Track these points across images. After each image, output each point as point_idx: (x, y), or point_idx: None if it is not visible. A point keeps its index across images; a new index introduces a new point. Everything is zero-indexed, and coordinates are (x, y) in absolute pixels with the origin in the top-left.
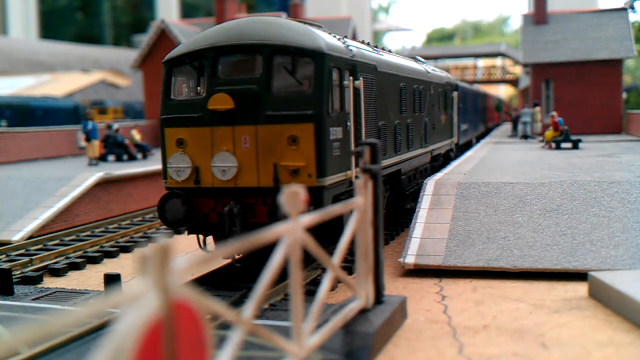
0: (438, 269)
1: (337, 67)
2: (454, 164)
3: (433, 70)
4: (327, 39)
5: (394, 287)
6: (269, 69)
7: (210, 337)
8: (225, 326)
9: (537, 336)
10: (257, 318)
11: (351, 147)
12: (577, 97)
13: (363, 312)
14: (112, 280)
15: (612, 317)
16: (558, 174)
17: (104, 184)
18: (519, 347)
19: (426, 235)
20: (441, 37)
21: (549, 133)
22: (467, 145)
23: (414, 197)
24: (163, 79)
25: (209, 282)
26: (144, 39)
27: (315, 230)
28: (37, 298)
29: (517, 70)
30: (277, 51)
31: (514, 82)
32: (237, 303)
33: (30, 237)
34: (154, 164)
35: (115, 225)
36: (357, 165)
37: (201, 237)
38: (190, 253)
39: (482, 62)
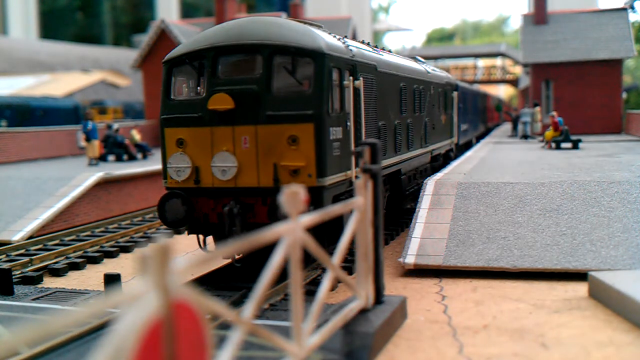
0: (438, 269)
1: (337, 67)
2: (454, 164)
3: (433, 70)
4: (327, 39)
5: (394, 287)
6: (269, 69)
7: (210, 337)
8: (225, 326)
9: (537, 336)
10: (257, 318)
11: (351, 147)
12: (577, 97)
13: (363, 312)
14: (112, 280)
15: (612, 317)
16: (558, 174)
17: (104, 184)
18: (519, 347)
19: (426, 235)
20: (441, 37)
21: (549, 133)
22: (467, 145)
23: (414, 197)
24: (163, 79)
25: (209, 282)
26: (144, 39)
27: (315, 230)
28: (37, 298)
29: (517, 70)
30: (277, 51)
31: (514, 82)
32: (237, 303)
33: (30, 237)
34: (154, 164)
35: (115, 225)
36: (357, 165)
37: (201, 237)
38: (190, 253)
39: (482, 62)
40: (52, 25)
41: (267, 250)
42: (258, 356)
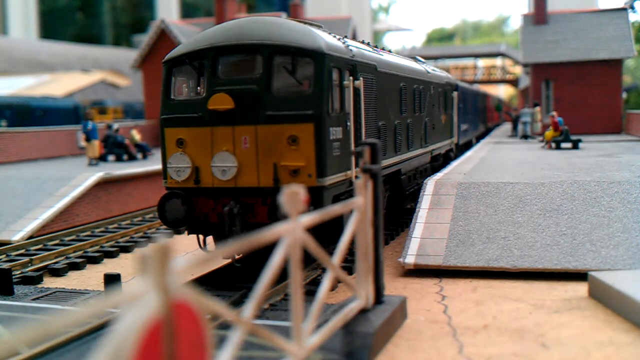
0: (438, 269)
1: (337, 67)
2: (454, 164)
3: (433, 70)
4: (327, 39)
5: (394, 287)
6: (269, 69)
7: (210, 337)
8: (225, 326)
9: (537, 336)
10: (257, 318)
11: (351, 147)
12: (577, 97)
13: (363, 312)
14: (112, 280)
15: (612, 317)
16: (558, 174)
17: (104, 184)
18: (519, 347)
19: (426, 235)
20: (441, 37)
21: (549, 133)
22: (467, 145)
23: (414, 197)
24: (163, 79)
25: (209, 282)
26: (144, 39)
27: (315, 230)
28: (37, 298)
29: (517, 70)
30: (277, 51)
31: (514, 82)
32: (237, 303)
33: (30, 237)
34: (154, 164)
35: (115, 225)
36: (357, 165)
37: (201, 237)
38: (190, 253)
39: (482, 62)
40: (52, 25)
41: (267, 250)
42: (258, 356)
